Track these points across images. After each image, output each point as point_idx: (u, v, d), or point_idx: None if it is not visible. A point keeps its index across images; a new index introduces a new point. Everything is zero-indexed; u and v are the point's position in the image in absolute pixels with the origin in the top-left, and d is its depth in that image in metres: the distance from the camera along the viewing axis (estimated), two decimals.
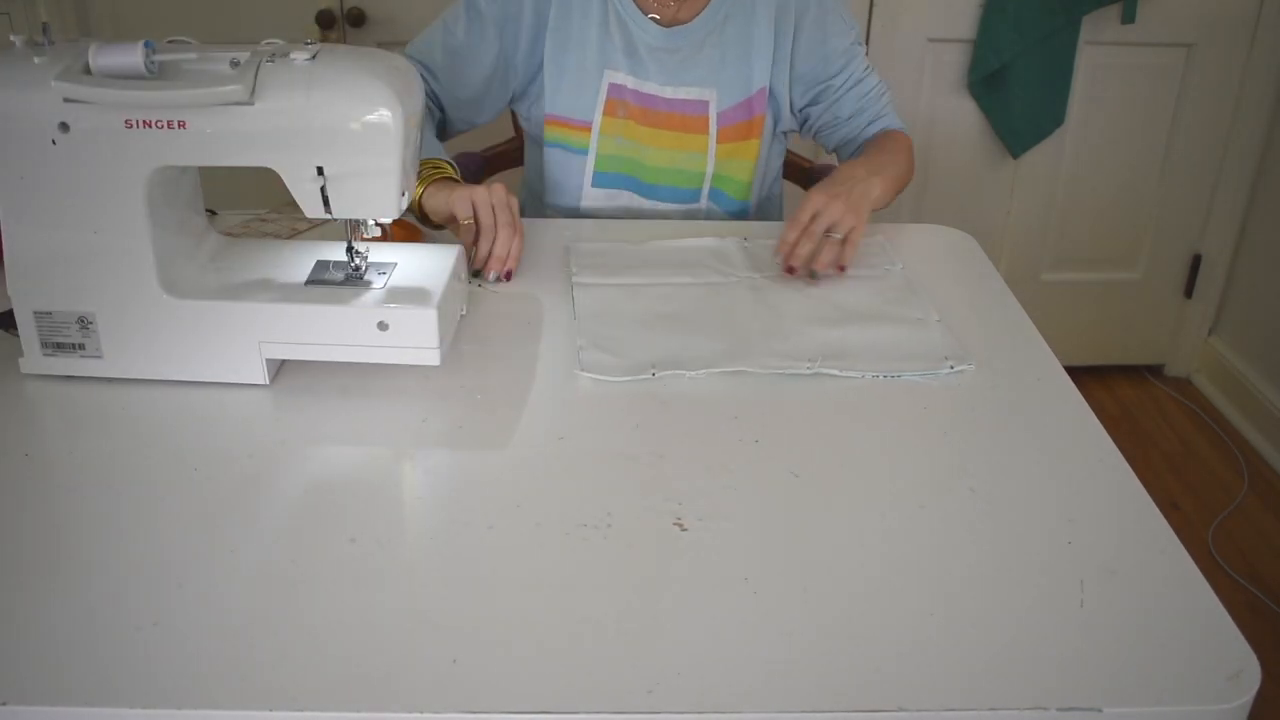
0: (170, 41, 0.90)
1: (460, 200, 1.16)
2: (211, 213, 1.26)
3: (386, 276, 1.00)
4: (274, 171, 0.92)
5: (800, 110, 1.43)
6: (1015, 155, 2.36)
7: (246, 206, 1.32)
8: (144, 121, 0.88)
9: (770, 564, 0.77)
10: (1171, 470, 2.31)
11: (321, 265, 1.02)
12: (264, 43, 0.91)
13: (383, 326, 0.95)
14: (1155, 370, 2.67)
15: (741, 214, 1.45)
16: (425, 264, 1.03)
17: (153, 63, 0.88)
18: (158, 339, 0.95)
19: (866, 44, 2.26)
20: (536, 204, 1.49)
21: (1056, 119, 2.31)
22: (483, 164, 1.66)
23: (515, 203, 1.17)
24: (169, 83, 0.88)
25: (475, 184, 1.19)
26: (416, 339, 0.96)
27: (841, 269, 1.16)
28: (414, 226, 1.29)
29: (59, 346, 0.96)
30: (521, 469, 0.88)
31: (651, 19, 1.33)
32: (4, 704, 0.64)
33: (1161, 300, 2.57)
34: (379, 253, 1.03)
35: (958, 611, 0.73)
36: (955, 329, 1.08)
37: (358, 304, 0.95)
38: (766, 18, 1.34)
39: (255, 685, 0.66)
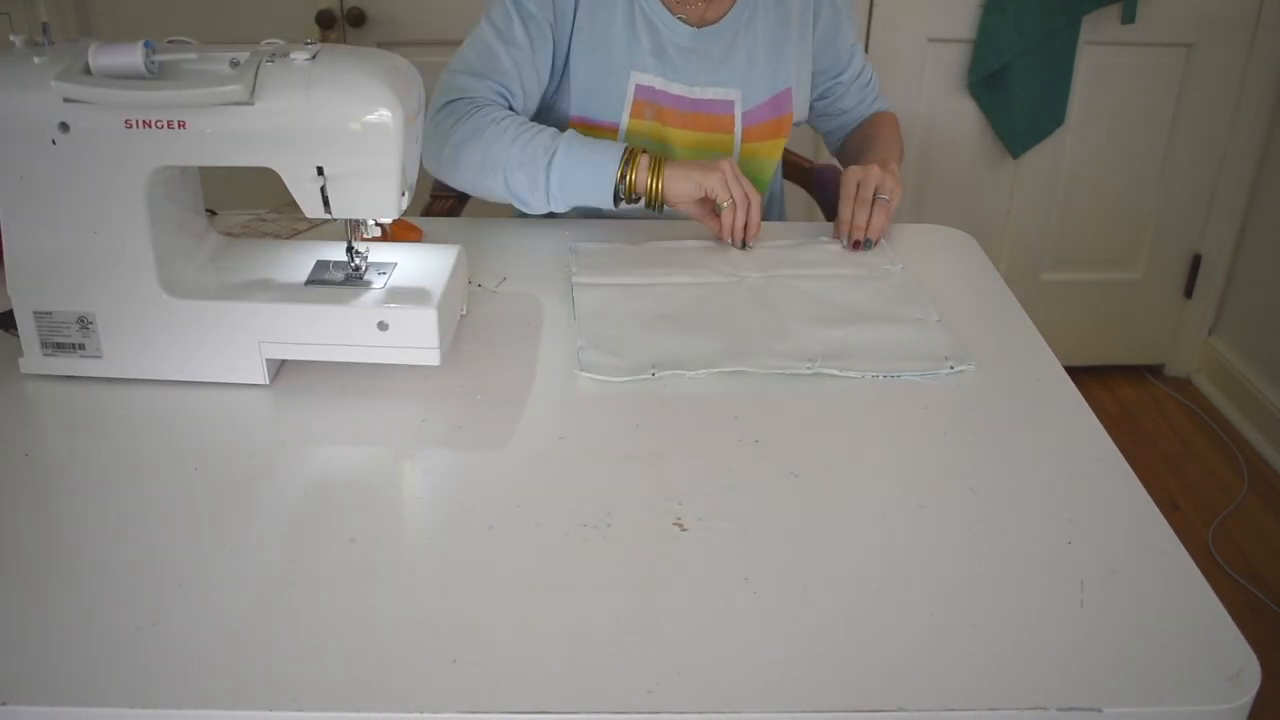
0: (170, 41, 0.90)
1: (716, 183, 1.20)
2: (211, 213, 1.26)
3: (386, 276, 1.00)
4: (274, 171, 0.92)
5: (811, 105, 1.47)
6: (1015, 155, 2.36)
7: (246, 206, 1.32)
8: (144, 121, 0.88)
9: (770, 564, 0.77)
10: (1171, 470, 2.31)
11: (321, 265, 1.02)
12: (264, 43, 0.91)
13: (383, 326, 0.95)
14: (1155, 370, 2.67)
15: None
16: (425, 264, 1.03)
17: (153, 63, 0.88)
18: (157, 339, 0.95)
19: (866, 44, 2.26)
20: None
21: (1056, 119, 2.31)
22: None
23: (744, 178, 1.23)
24: (169, 83, 0.88)
25: (704, 162, 1.22)
26: (416, 339, 0.96)
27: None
28: (414, 226, 1.29)
29: (59, 346, 0.96)
30: (521, 469, 0.88)
31: (679, 19, 1.33)
32: (4, 704, 0.64)
33: (1161, 300, 2.57)
34: (379, 253, 1.03)
35: (958, 611, 0.73)
36: (955, 329, 1.08)
37: (358, 304, 0.95)
38: (791, 16, 1.35)
39: (255, 685, 0.66)
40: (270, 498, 0.83)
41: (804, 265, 1.21)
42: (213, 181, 1.06)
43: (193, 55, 0.89)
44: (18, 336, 0.96)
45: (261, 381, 0.97)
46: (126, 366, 0.96)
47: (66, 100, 0.87)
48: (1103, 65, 2.29)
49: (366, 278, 0.99)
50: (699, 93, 1.35)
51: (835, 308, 1.12)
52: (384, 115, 0.89)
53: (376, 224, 0.98)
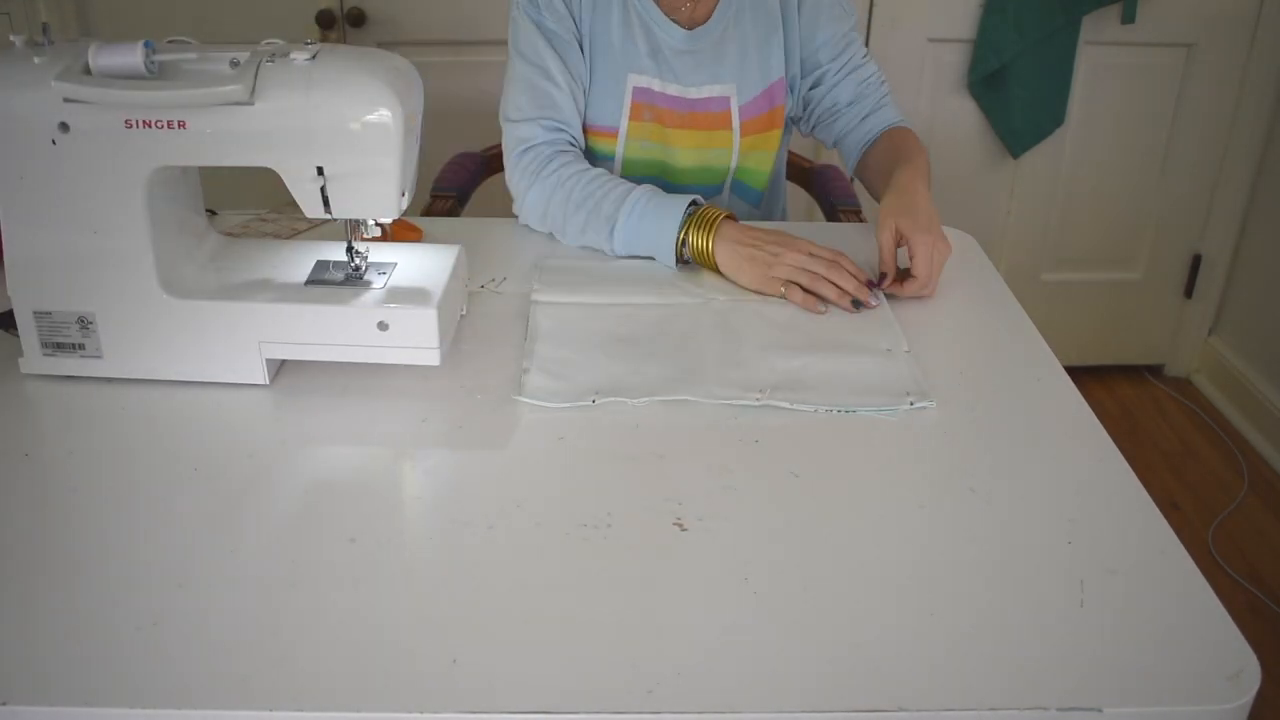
0: (170, 41, 0.90)
1: (766, 287, 1.15)
2: (211, 213, 1.26)
3: (386, 276, 1.00)
4: (274, 171, 0.92)
5: (801, 97, 1.43)
6: (1015, 155, 2.36)
7: (246, 206, 1.32)
8: (144, 121, 0.88)
9: (770, 564, 0.77)
10: (1171, 470, 2.31)
11: (321, 265, 1.02)
12: (264, 43, 0.91)
13: (383, 326, 0.95)
14: (1155, 370, 2.67)
15: (759, 202, 1.46)
16: (425, 264, 1.03)
17: (153, 63, 0.88)
18: (158, 339, 0.95)
19: (866, 44, 2.26)
20: None
21: (1056, 119, 2.31)
22: (482, 164, 1.66)
23: (810, 245, 1.15)
24: (169, 83, 0.88)
25: (768, 246, 1.16)
26: (416, 339, 0.96)
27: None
28: (414, 226, 1.29)
29: (59, 346, 0.96)
30: (521, 469, 0.88)
31: (673, 21, 1.33)
32: (4, 704, 0.64)
33: (1161, 300, 2.57)
34: (379, 253, 1.03)
35: (958, 611, 0.73)
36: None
37: (358, 304, 0.95)
38: (775, 5, 1.35)
39: (255, 685, 0.66)
40: (270, 498, 0.83)
41: None
42: (213, 181, 1.06)
43: (193, 55, 0.89)
44: (18, 336, 0.96)
45: (261, 381, 0.97)
46: (126, 366, 0.96)
47: (66, 100, 0.87)
48: (1103, 65, 2.29)
49: (366, 278, 0.99)
50: (694, 92, 1.35)
51: (799, 335, 1.08)
52: (384, 115, 0.89)
53: (376, 224, 0.98)
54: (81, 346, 0.95)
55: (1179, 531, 0.81)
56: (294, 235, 1.26)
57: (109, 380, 0.97)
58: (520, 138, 1.30)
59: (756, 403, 0.96)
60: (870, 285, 1.14)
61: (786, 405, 0.96)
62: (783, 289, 1.14)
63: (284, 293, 0.97)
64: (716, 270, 1.18)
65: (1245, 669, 0.69)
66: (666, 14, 1.32)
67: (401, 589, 0.74)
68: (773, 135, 1.41)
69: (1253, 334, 2.45)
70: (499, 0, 1.75)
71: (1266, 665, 0.70)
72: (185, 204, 1.00)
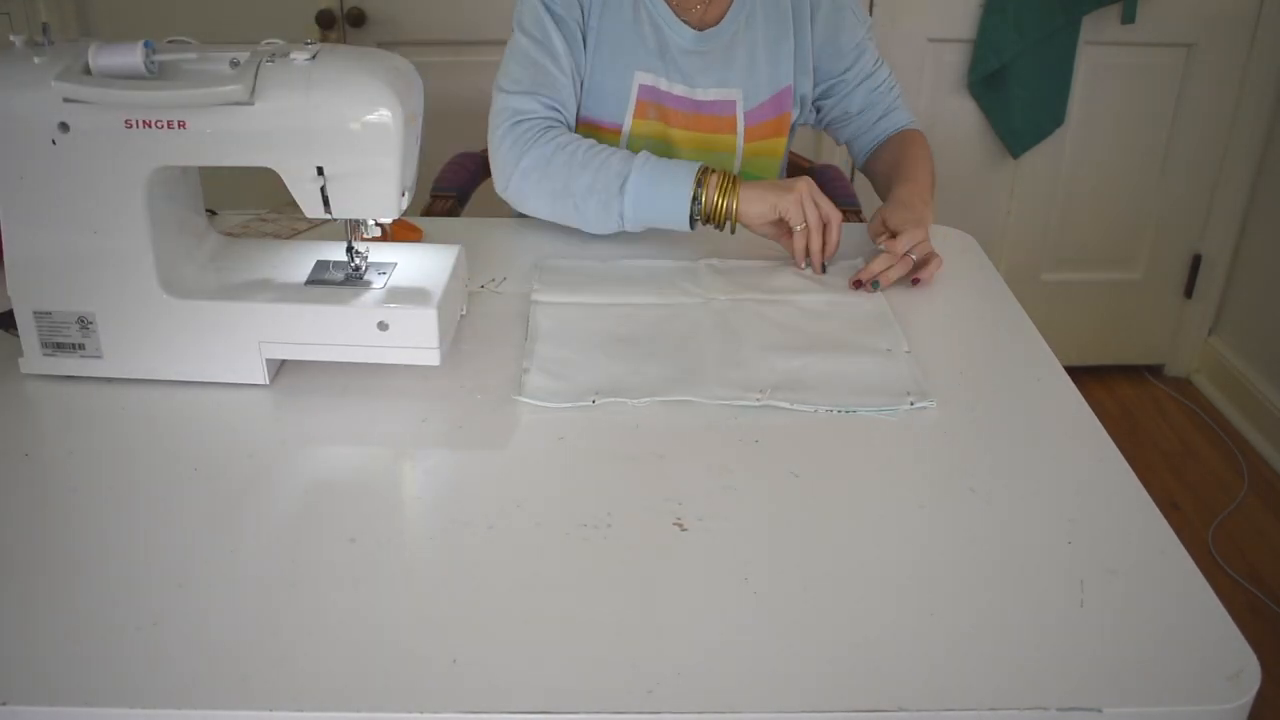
0: (170, 41, 0.90)
1: (790, 205, 1.17)
2: (211, 213, 1.26)
3: (386, 276, 1.00)
4: (274, 171, 0.92)
5: (813, 104, 1.44)
6: (1015, 155, 2.36)
7: (246, 206, 1.32)
8: (144, 121, 0.88)
9: (770, 564, 0.77)
10: (1171, 470, 2.31)
11: (321, 265, 1.02)
12: (264, 43, 0.91)
13: (383, 326, 0.95)
14: (1155, 370, 2.67)
15: None
16: (425, 264, 1.03)
17: (153, 63, 0.88)
18: (158, 339, 0.95)
19: None
20: None
21: (1056, 119, 2.31)
22: (482, 164, 1.66)
23: (823, 198, 1.20)
24: (169, 83, 0.88)
25: (780, 182, 1.20)
26: (416, 339, 0.96)
27: (916, 281, 1.20)
28: (414, 226, 1.29)
29: (59, 346, 0.96)
30: (521, 469, 0.88)
31: (683, 21, 1.32)
32: (4, 704, 0.64)
33: (1161, 300, 2.57)
34: (379, 253, 1.03)
35: (958, 611, 0.73)
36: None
37: (358, 304, 0.95)
38: (788, 12, 1.35)
39: (255, 685, 0.66)
40: (270, 498, 0.83)
41: (775, 290, 1.17)
42: (213, 181, 1.06)
43: (193, 55, 0.89)
44: (18, 336, 0.96)
45: (261, 381, 0.97)
46: (126, 366, 0.96)
47: (66, 100, 0.87)
48: (1103, 65, 2.29)
49: (366, 278, 0.99)
50: (701, 94, 1.35)
51: (799, 335, 1.08)
52: (384, 115, 0.89)
53: (376, 224, 0.98)
54: (81, 346, 0.95)
55: (1179, 531, 0.81)
56: (294, 235, 1.26)
57: (109, 380, 0.97)
58: (515, 109, 1.27)
59: (757, 403, 0.96)
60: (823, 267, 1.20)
61: (787, 405, 0.96)
62: (790, 224, 1.18)
63: (284, 293, 0.97)
64: (722, 224, 1.19)
65: (1245, 669, 0.69)
66: (677, 14, 1.32)
67: (401, 589, 0.74)
68: (778, 142, 1.41)
69: (1253, 334, 2.45)
70: (499, 0, 1.76)
71: (1266, 665, 0.70)
72: (185, 204, 1.00)
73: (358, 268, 1.00)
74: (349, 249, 0.99)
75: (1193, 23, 2.25)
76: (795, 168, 1.65)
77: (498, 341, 1.06)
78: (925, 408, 0.96)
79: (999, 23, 2.19)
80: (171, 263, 0.95)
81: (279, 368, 0.99)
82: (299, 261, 1.02)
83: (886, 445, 0.92)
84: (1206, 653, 0.70)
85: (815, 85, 1.41)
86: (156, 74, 0.88)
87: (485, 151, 1.67)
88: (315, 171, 0.91)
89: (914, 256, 1.19)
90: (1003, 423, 0.96)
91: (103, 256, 0.92)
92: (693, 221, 1.19)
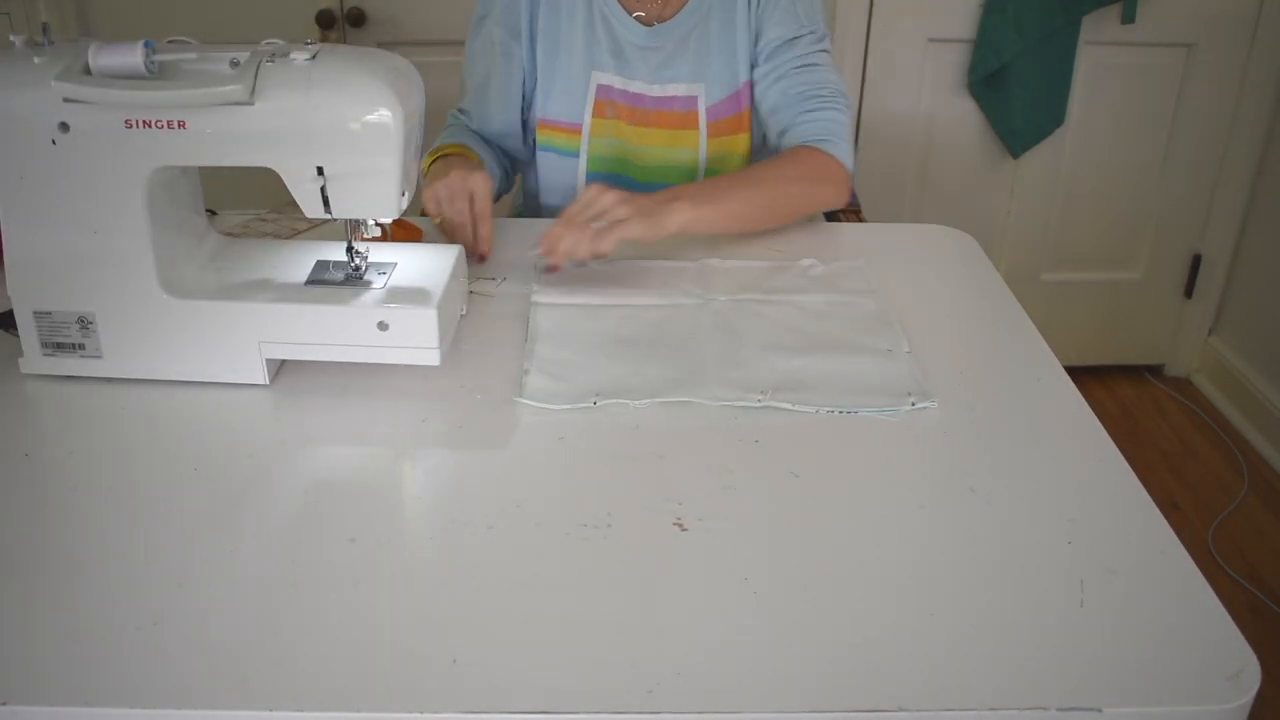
0: (170, 41, 0.90)
1: (428, 198, 1.19)
2: (211, 213, 1.26)
3: (386, 276, 1.00)
4: (274, 171, 0.92)
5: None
6: (1015, 155, 2.36)
7: (246, 206, 1.32)
8: (144, 121, 0.88)
9: (770, 564, 0.77)
10: (1171, 470, 2.31)
11: (321, 265, 1.02)
12: (264, 43, 0.91)
13: (383, 326, 0.95)
14: (1155, 370, 2.67)
15: None
16: (425, 264, 1.03)
17: (153, 63, 0.88)
18: (158, 339, 0.95)
19: (866, 44, 2.26)
20: (534, 205, 1.49)
21: (1056, 119, 2.31)
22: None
23: (475, 186, 1.17)
24: (169, 83, 0.88)
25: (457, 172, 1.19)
26: (416, 339, 0.96)
27: (598, 255, 1.10)
28: (414, 226, 1.29)
29: (59, 346, 0.96)
30: (521, 469, 0.88)
31: (636, 18, 1.32)
32: (4, 704, 0.64)
33: (1161, 300, 2.57)
34: (379, 253, 1.03)
35: (958, 611, 0.73)
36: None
37: (358, 304, 0.95)
38: (744, 8, 1.34)
39: (255, 685, 0.66)
40: (270, 498, 0.83)
41: (775, 290, 1.16)
42: (213, 181, 1.06)
43: (193, 55, 0.89)
44: (18, 336, 0.96)
45: (261, 381, 0.97)
46: (126, 366, 0.96)
47: (66, 100, 0.87)
48: (1103, 65, 2.29)
49: (366, 278, 0.99)
50: (659, 90, 1.35)
51: (800, 335, 1.07)
52: (384, 115, 0.89)
53: (376, 224, 0.98)
54: (81, 346, 0.95)
55: (1179, 531, 0.81)
56: (294, 235, 1.26)
57: (109, 380, 0.97)
58: (448, 126, 1.40)
59: (757, 404, 0.96)
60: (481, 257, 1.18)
61: (787, 406, 0.96)
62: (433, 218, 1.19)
63: (284, 293, 0.97)
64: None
65: (1245, 669, 0.69)
66: (628, 9, 1.32)
67: (401, 589, 0.74)
68: (740, 139, 1.39)
69: (1253, 334, 2.45)
70: None
71: (1266, 665, 0.70)
72: (185, 204, 1.00)
73: (358, 268, 1.00)
74: (349, 249, 0.99)
75: (1193, 23, 2.25)
76: None
77: (498, 341, 1.06)
78: (927, 408, 0.96)
79: (999, 23, 2.19)
80: (171, 263, 0.95)
81: (279, 368, 0.99)
82: (299, 261, 1.02)
83: (887, 445, 0.92)
84: (1206, 653, 0.70)
85: (754, 80, 1.35)
86: (156, 74, 0.88)
87: None
88: (315, 171, 0.91)
89: (599, 225, 1.10)
90: (1003, 423, 0.96)
91: (103, 256, 0.92)
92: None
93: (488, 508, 0.82)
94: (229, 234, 1.11)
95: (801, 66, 1.31)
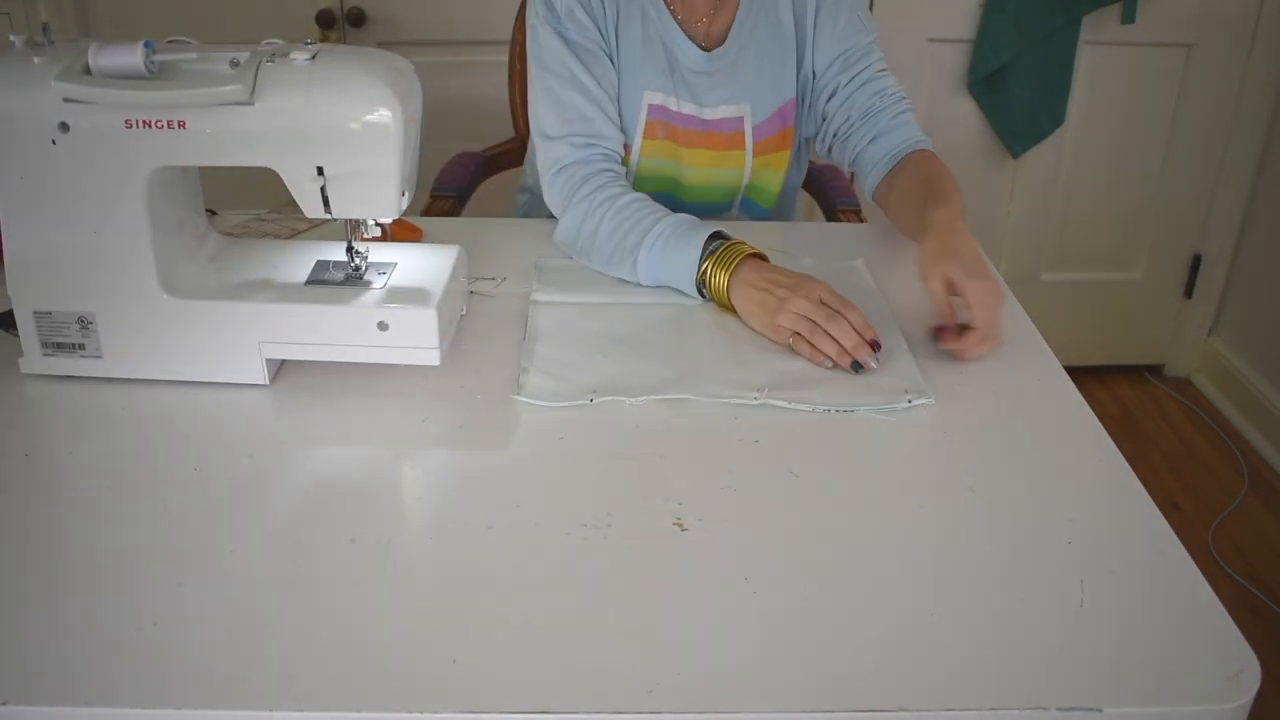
0: (170, 41, 0.90)
1: (777, 328, 1.06)
2: (211, 213, 1.26)
3: (386, 276, 1.00)
4: (274, 171, 0.92)
5: (820, 111, 1.38)
6: (1015, 155, 2.36)
7: (246, 206, 1.32)
8: (144, 121, 0.88)
9: (770, 564, 0.77)
10: (1171, 470, 2.31)
11: (321, 265, 1.02)
12: (264, 43, 0.91)
13: (383, 326, 0.95)
14: (1155, 370, 2.67)
15: (765, 218, 1.45)
16: (425, 264, 1.03)
17: (153, 63, 0.88)
18: (158, 339, 0.95)
19: None
20: (537, 204, 1.48)
21: (1056, 119, 2.31)
22: (483, 163, 1.66)
23: (824, 291, 1.06)
24: (169, 83, 0.88)
25: (781, 286, 1.07)
26: (416, 339, 0.96)
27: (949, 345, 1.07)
28: (414, 226, 1.29)
29: (59, 346, 0.96)
30: (521, 469, 0.88)
31: (691, 41, 1.31)
32: (4, 704, 0.64)
33: (1161, 300, 2.57)
34: (379, 253, 1.03)
35: (958, 611, 0.73)
36: (924, 358, 1.06)
37: (358, 304, 0.95)
38: (788, 20, 1.34)
39: (255, 685, 0.66)
40: (270, 498, 0.83)
41: None
42: (213, 181, 1.06)
43: (193, 55, 0.89)
44: (18, 336, 0.96)
45: (261, 381, 0.97)
46: (126, 366, 0.96)
47: (66, 100, 0.87)
48: (1103, 65, 2.29)
49: (366, 278, 0.99)
50: (709, 113, 1.34)
51: None
52: (384, 115, 0.89)
53: (376, 224, 0.98)
54: (81, 346, 0.95)
55: (1179, 531, 0.81)
56: (294, 235, 1.26)
57: (109, 380, 0.97)
58: (553, 158, 1.26)
59: (755, 402, 0.96)
60: (874, 346, 1.03)
61: (785, 404, 0.96)
62: (790, 339, 1.05)
63: (284, 293, 0.97)
64: (734, 311, 1.11)
65: (1245, 669, 0.69)
66: (685, 32, 1.31)
67: (401, 589, 0.74)
68: (783, 155, 1.40)
69: (1253, 334, 2.45)
70: (499, 0, 1.76)
71: (1266, 665, 0.70)
72: (185, 204, 1.00)
73: (358, 268, 1.00)
74: (349, 249, 0.99)
75: (1193, 23, 2.25)
76: None
77: (497, 341, 1.06)
78: (923, 405, 0.96)
79: (999, 23, 2.19)
80: (171, 263, 0.95)
81: (279, 368, 0.99)
82: (299, 261, 1.02)
83: (887, 445, 0.92)
84: (1206, 653, 0.70)
85: (817, 92, 1.36)
86: (156, 74, 0.88)
87: (485, 151, 1.68)
88: (315, 171, 0.91)
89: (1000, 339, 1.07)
90: (1003, 423, 0.96)
91: (103, 256, 0.92)
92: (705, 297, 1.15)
93: (487, 508, 0.82)
94: (229, 234, 1.11)
95: (881, 71, 1.35)
